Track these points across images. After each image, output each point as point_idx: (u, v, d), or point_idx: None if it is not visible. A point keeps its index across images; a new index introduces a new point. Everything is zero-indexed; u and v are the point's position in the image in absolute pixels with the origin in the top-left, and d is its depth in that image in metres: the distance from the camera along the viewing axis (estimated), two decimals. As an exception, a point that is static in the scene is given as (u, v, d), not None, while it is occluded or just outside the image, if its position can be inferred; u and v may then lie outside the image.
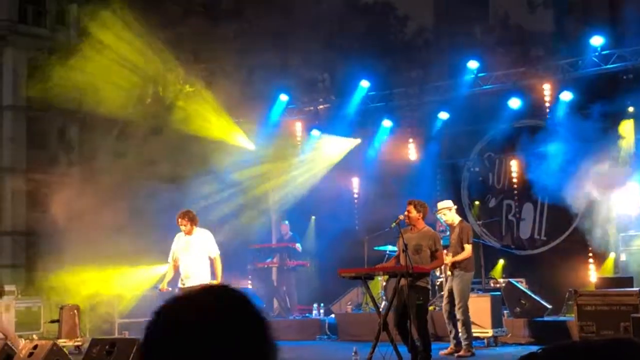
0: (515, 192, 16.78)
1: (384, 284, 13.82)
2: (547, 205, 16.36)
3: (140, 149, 18.64)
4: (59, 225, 17.41)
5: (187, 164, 18.80)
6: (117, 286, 16.36)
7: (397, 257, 10.27)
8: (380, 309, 10.70)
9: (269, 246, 17.36)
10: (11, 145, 26.30)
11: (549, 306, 13.40)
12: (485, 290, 14.00)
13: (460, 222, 11.77)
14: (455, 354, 11.30)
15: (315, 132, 18.55)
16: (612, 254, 14.47)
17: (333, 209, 17.65)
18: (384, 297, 13.74)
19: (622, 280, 12.53)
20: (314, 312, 16.07)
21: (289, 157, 18.87)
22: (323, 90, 18.63)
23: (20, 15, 27.04)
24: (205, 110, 17.86)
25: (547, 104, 15.83)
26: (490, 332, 12.48)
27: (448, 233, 12.51)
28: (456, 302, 11.23)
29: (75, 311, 14.22)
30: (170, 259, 11.22)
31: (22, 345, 10.98)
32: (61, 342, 12.73)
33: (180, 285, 11.03)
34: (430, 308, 13.00)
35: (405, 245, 9.59)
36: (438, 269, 12.98)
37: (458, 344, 11.37)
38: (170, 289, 11.16)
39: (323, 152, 18.27)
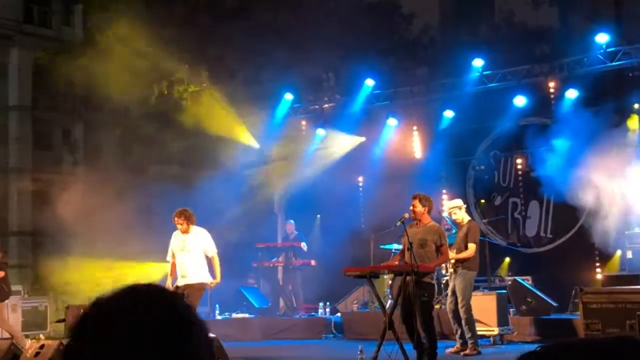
0: (521, 190, 16.76)
1: (390, 282, 13.80)
2: (553, 203, 16.33)
3: (146, 149, 18.68)
4: (65, 225, 17.44)
5: (192, 163, 18.83)
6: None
7: (402, 253, 10.24)
8: (387, 308, 10.69)
9: (274, 245, 17.36)
10: (17, 146, 26.34)
11: (555, 304, 13.38)
12: (491, 288, 13.98)
13: (470, 221, 11.76)
14: (462, 353, 11.29)
15: (320, 131, 18.56)
16: (618, 251, 14.44)
17: (338, 208, 17.66)
18: (390, 296, 13.72)
19: (628, 278, 12.51)
20: (320, 310, 16.07)
21: (294, 156, 18.88)
22: (328, 89, 18.63)
23: (25, 15, 27.08)
24: (211, 109, 17.87)
25: (553, 102, 15.80)
26: (496, 331, 12.46)
27: (454, 231, 12.50)
28: (459, 300, 11.22)
29: (82, 311, 14.21)
30: (169, 257, 11.22)
31: (29, 345, 11.01)
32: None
33: (178, 283, 10.97)
34: (437, 306, 13.00)
35: (411, 244, 9.57)
36: (443, 266, 12.97)
37: (464, 343, 11.36)
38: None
39: (328, 150, 18.27)
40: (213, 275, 11.07)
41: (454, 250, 11.37)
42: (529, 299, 13.30)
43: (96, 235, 16.44)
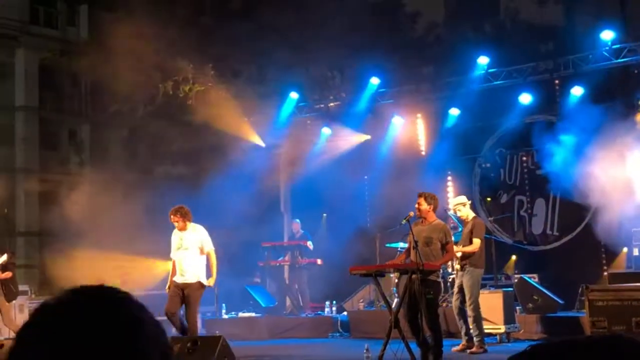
0: (527, 187, 16.74)
1: (396, 281, 13.80)
2: (559, 201, 16.30)
3: (152, 148, 18.71)
4: (72, 225, 17.47)
5: (198, 162, 18.85)
6: (131, 285, 16.40)
7: (407, 251, 10.24)
8: (393, 306, 10.69)
9: (280, 244, 17.38)
10: (24, 146, 26.43)
11: (561, 302, 13.37)
12: (497, 286, 13.97)
13: (474, 217, 11.77)
14: (468, 350, 11.29)
15: (325, 130, 18.56)
16: (625, 248, 14.42)
17: (344, 207, 17.67)
18: (396, 294, 13.72)
19: (634, 275, 12.48)
20: (326, 309, 16.08)
21: (300, 154, 18.89)
22: (333, 88, 18.61)
23: (31, 16, 27.17)
24: (216, 108, 17.88)
25: (558, 99, 15.78)
26: (502, 328, 12.46)
27: (460, 229, 12.49)
28: (467, 298, 11.22)
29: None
30: (172, 255, 11.20)
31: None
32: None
33: (177, 281, 10.92)
34: (443, 304, 13.00)
35: (416, 242, 9.57)
36: (449, 264, 12.98)
37: (470, 340, 11.35)
38: None
39: (334, 149, 18.27)
40: (209, 273, 11.01)
41: (460, 246, 11.37)
42: (535, 297, 13.29)
43: (103, 235, 16.46)
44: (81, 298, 1.42)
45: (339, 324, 15.22)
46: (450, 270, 13.64)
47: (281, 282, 17.25)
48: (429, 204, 10.05)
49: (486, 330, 11.72)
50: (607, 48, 15.02)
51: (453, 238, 11.73)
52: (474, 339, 11.26)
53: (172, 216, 10.93)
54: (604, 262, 15.05)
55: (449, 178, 17.39)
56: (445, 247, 9.99)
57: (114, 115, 19.70)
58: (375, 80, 17.38)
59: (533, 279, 14.00)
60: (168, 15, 17.31)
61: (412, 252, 9.72)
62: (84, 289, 1.45)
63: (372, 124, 17.97)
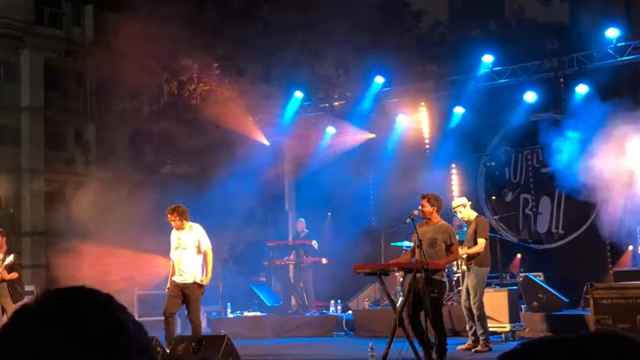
0: (532, 186, 16.72)
1: (401, 279, 13.79)
2: (564, 199, 16.28)
3: (157, 148, 18.73)
4: (78, 225, 17.51)
5: (203, 161, 18.87)
6: (137, 284, 16.45)
7: (412, 251, 10.25)
8: (397, 305, 10.68)
9: (285, 243, 17.38)
10: (29, 146, 26.49)
11: (567, 300, 13.35)
12: (502, 285, 13.96)
13: (477, 217, 11.74)
14: (473, 349, 11.28)
15: (330, 129, 18.57)
16: (630, 247, 14.39)
17: (349, 206, 17.68)
18: (401, 293, 13.72)
19: (639, 274, 12.45)
20: (331, 308, 16.08)
21: (305, 153, 18.89)
22: (338, 87, 18.61)
23: (36, 16, 27.23)
24: (221, 108, 17.90)
25: (563, 97, 15.76)
26: (507, 327, 12.44)
27: (465, 228, 12.48)
28: (471, 296, 11.21)
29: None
30: (171, 256, 11.18)
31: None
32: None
33: (176, 281, 10.91)
34: (448, 303, 13.00)
35: (420, 241, 9.57)
36: (454, 263, 12.97)
37: (476, 340, 11.35)
38: None
39: (339, 148, 18.28)
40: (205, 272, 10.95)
41: (465, 247, 11.37)
42: (540, 295, 13.27)
43: (109, 234, 16.49)
44: (61, 300, 1.42)
45: (344, 323, 15.23)
46: (455, 269, 13.63)
47: (286, 281, 17.26)
48: (432, 205, 10.05)
49: (491, 329, 11.71)
50: (612, 46, 15.00)
51: (458, 237, 11.77)
52: (479, 337, 11.25)
53: (168, 215, 10.93)
54: (610, 260, 15.02)
55: (454, 177, 17.38)
56: (449, 248, 9.98)
57: (119, 115, 19.72)
58: (379, 79, 17.38)
59: (538, 278, 13.97)
60: (173, 15, 17.32)
61: (417, 251, 9.71)
62: (64, 290, 1.44)
63: (376, 122, 17.98)
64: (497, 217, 16.53)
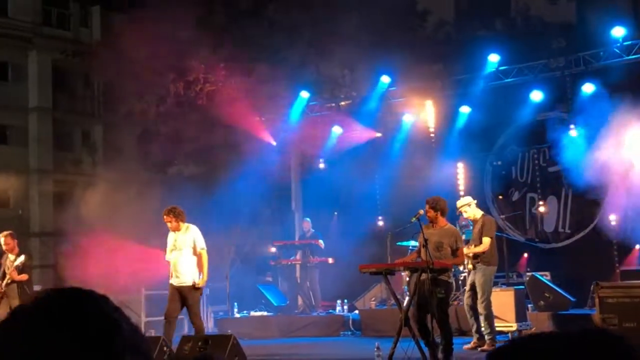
0: (539, 185, 16.70)
1: (407, 279, 13.78)
2: (571, 198, 16.27)
3: (164, 149, 18.76)
4: (86, 226, 17.57)
5: (210, 162, 18.91)
6: (144, 284, 16.49)
7: (418, 251, 10.24)
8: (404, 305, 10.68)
9: (291, 243, 17.40)
10: (37, 147, 26.59)
11: (573, 299, 13.34)
12: (509, 284, 13.95)
13: (483, 216, 11.72)
14: (479, 348, 11.27)
15: (336, 129, 18.58)
16: (637, 246, 14.37)
17: (355, 205, 17.69)
18: (407, 293, 13.71)
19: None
20: (338, 308, 16.09)
21: (311, 153, 18.92)
22: (344, 86, 18.62)
23: (44, 17, 27.32)
24: (227, 107, 17.93)
25: (570, 96, 15.73)
26: (514, 326, 12.43)
27: (471, 227, 12.47)
28: (479, 296, 11.19)
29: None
30: (167, 257, 11.11)
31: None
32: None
33: (172, 283, 10.86)
34: (454, 302, 12.99)
35: (426, 240, 9.56)
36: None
37: (481, 338, 11.34)
38: None
39: (345, 147, 18.30)
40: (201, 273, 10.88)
41: (472, 246, 11.36)
42: (547, 295, 13.26)
43: (117, 235, 16.54)
44: (57, 301, 1.44)
45: (350, 322, 15.24)
46: (461, 268, 13.62)
47: (293, 281, 17.27)
48: (435, 210, 10.03)
49: (498, 328, 11.69)
50: (618, 45, 14.98)
51: (464, 236, 11.76)
52: (486, 336, 11.24)
53: (165, 216, 10.86)
54: (617, 259, 15.00)
55: (460, 176, 17.37)
56: (455, 252, 9.97)
57: (126, 115, 19.77)
58: (385, 79, 17.38)
59: (545, 277, 13.95)
60: (179, 16, 17.36)
61: (423, 251, 9.71)
62: (60, 291, 1.46)
63: (382, 122, 17.99)
64: (503, 216, 16.51)
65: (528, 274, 14.36)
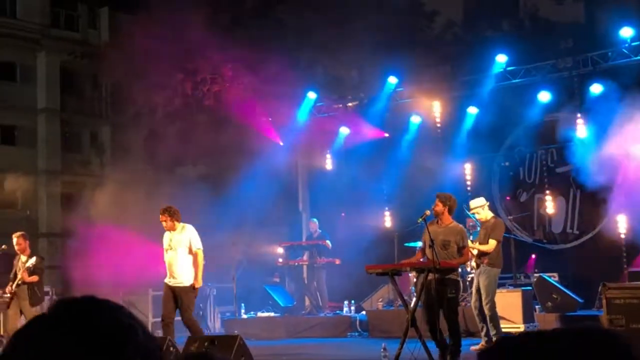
0: (547, 186, 16.65)
1: (415, 280, 13.76)
2: (579, 199, 16.22)
3: (172, 149, 18.79)
4: (94, 227, 17.61)
5: (217, 162, 18.93)
6: (151, 285, 16.51)
7: (422, 249, 10.20)
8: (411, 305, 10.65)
9: (299, 244, 17.39)
10: (46, 148, 26.67)
11: (581, 300, 13.29)
12: (516, 285, 13.91)
13: (494, 217, 11.69)
14: (486, 350, 11.23)
15: (344, 129, 18.58)
16: (646, 246, 14.32)
17: (363, 206, 17.68)
18: (414, 294, 13.69)
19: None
20: (345, 309, 16.08)
21: (318, 154, 18.93)
22: (351, 87, 18.62)
23: (52, 19, 27.41)
24: (235, 108, 17.96)
25: (577, 97, 15.68)
26: (521, 327, 12.40)
27: (479, 228, 12.44)
28: (483, 297, 11.16)
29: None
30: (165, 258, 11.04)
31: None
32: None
33: (168, 283, 10.82)
34: (462, 304, 12.95)
35: (432, 241, 9.54)
36: (468, 264, 12.93)
37: (489, 340, 11.31)
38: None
39: (352, 148, 18.30)
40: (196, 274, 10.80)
41: (476, 244, 11.31)
42: (554, 296, 13.22)
43: (125, 236, 16.57)
44: (73, 308, 1.46)
45: (357, 323, 15.22)
46: (469, 269, 13.60)
47: (300, 281, 17.27)
48: (444, 205, 10.01)
49: (505, 329, 11.66)
50: (626, 45, 14.93)
51: (472, 237, 11.72)
52: (492, 338, 11.22)
53: (160, 216, 10.80)
54: (625, 260, 14.94)
55: (468, 177, 17.34)
56: (461, 250, 9.94)
57: (134, 116, 19.81)
58: (393, 80, 17.37)
59: (553, 278, 13.92)
60: (187, 16, 17.40)
61: (429, 251, 9.68)
62: (73, 301, 1.49)
63: (390, 122, 17.98)
64: (511, 217, 16.48)
65: (536, 275, 14.32)
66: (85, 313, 1.46)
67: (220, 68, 18.32)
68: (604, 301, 10.45)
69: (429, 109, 17.51)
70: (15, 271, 12.45)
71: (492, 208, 12.48)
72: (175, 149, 18.88)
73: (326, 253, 16.50)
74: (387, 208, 18.25)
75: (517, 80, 16.29)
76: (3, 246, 12.70)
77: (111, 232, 16.91)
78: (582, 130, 15.36)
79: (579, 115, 15.50)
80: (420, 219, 9.90)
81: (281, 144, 18.72)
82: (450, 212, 10.07)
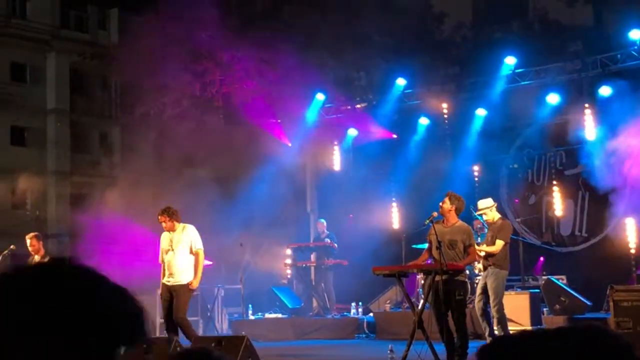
0: (555, 188, 16.61)
1: (422, 281, 13.74)
2: (587, 202, 16.17)
3: (181, 151, 18.82)
4: (103, 227, 17.65)
5: (226, 163, 18.94)
6: (159, 286, 16.51)
7: (429, 251, 10.17)
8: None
9: (306, 245, 17.38)
10: (55, 149, 26.76)
11: (589, 303, 13.25)
12: (524, 287, 13.88)
13: (501, 219, 11.64)
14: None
15: (352, 131, 18.59)
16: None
17: (371, 207, 17.67)
18: (422, 295, 13.67)
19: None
20: (353, 310, 16.07)
21: (327, 155, 18.94)
22: (359, 89, 18.62)
23: (62, 20, 27.51)
24: (243, 109, 17.98)
25: (586, 99, 15.65)
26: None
27: (486, 230, 12.40)
28: (491, 299, 11.10)
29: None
30: (160, 259, 10.94)
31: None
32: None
33: (165, 282, 10.74)
34: (469, 306, 12.93)
35: (440, 242, 9.52)
36: (475, 265, 12.90)
37: (494, 341, 11.26)
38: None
39: (360, 149, 18.30)
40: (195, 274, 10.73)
41: (483, 246, 11.28)
42: (562, 298, 13.19)
43: (134, 236, 16.61)
44: (38, 269, 1.46)
45: (365, 325, 15.21)
46: (476, 271, 13.56)
47: (307, 283, 17.26)
48: (452, 203, 9.97)
49: (512, 332, 11.62)
50: (635, 47, 14.90)
51: (479, 239, 11.69)
52: (499, 339, 11.18)
53: (159, 216, 10.74)
54: (634, 263, 14.89)
55: (476, 179, 17.31)
56: (467, 249, 9.91)
57: (143, 117, 19.87)
58: (401, 81, 17.37)
59: (561, 281, 13.88)
60: (196, 18, 17.44)
61: (436, 252, 9.66)
62: (43, 263, 1.49)
63: (398, 124, 17.98)
64: (519, 219, 16.45)
65: (544, 277, 14.28)
66: (51, 271, 1.45)
67: (230, 69, 18.34)
68: (611, 304, 10.42)
69: (438, 110, 17.49)
70: (28, 271, 12.48)
71: (500, 210, 12.45)
72: (184, 149, 18.91)
73: (334, 254, 16.49)
74: (395, 209, 18.25)
75: (525, 83, 16.26)
76: (11, 246, 12.73)
77: (120, 233, 16.95)
78: (591, 132, 15.32)
79: (587, 117, 15.47)
80: (428, 221, 9.88)
81: (290, 145, 18.73)
82: (457, 211, 10.04)
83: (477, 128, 17.00)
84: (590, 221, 16.20)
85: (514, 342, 1.40)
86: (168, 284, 10.72)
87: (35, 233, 12.75)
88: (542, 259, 15.91)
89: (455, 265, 9.54)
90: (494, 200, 11.92)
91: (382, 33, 16.41)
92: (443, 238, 9.72)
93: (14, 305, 1.37)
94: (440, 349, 9.58)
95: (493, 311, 11.09)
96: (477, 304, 11.39)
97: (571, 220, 16.51)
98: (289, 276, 18.14)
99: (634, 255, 14.89)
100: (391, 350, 9.86)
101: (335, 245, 16.45)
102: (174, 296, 10.63)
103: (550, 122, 16.33)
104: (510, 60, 16.18)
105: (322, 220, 17.31)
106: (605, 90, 15.25)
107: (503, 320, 11.16)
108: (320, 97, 18.27)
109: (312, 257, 16.93)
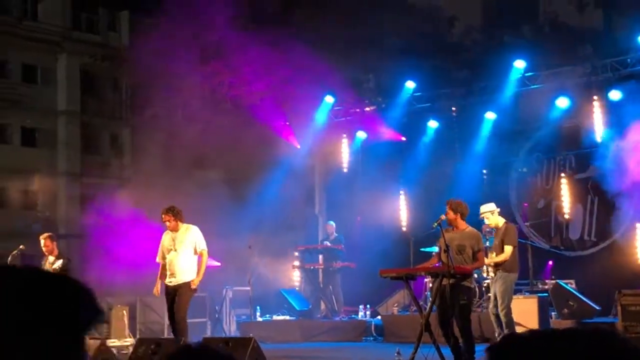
0: (564, 192, 16.57)
1: (430, 285, 13.73)
2: (597, 206, 16.13)
3: (191, 153, 18.87)
4: (112, 228, 17.70)
5: (235, 164, 18.99)
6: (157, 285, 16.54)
7: (438, 255, 10.18)
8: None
9: (314, 247, 17.39)
10: (66, 150, 26.85)
11: (598, 307, 13.21)
12: (532, 291, 13.85)
13: (505, 223, 11.61)
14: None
15: (361, 133, 18.60)
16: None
17: (379, 210, 17.66)
18: (429, 298, 13.65)
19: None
20: (360, 313, 16.08)
21: (335, 157, 18.95)
22: (368, 92, 18.63)
23: (73, 22, 27.63)
24: (253, 111, 18.02)
25: (596, 103, 15.61)
26: (536, 334, 12.33)
27: (494, 234, 12.39)
28: (499, 303, 11.09)
29: (125, 312, 14.43)
30: (159, 259, 10.88)
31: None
32: (110, 342, 12.93)
33: (167, 283, 10.71)
34: (477, 309, 12.91)
35: (447, 246, 9.52)
36: (484, 269, 12.89)
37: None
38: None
39: (369, 152, 18.31)
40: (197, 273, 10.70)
41: (493, 254, 11.27)
42: (571, 303, 13.16)
43: (143, 237, 16.65)
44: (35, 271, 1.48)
45: (372, 327, 15.22)
46: (485, 274, 13.55)
47: (315, 285, 17.27)
48: (455, 212, 9.96)
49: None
50: (645, 51, 14.88)
51: (488, 243, 11.67)
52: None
53: (163, 216, 10.69)
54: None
55: (485, 183, 17.28)
56: (475, 255, 9.89)
57: (153, 118, 19.92)
58: (410, 84, 17.37)
59: (570, 285, 13.85)
60: (206, 20, 17.48)
61: (444, 256, 9.66)
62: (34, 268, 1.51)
63: (407, 127, 17.97)
64: (528, 223, 16.40)
65: (552, 281, 14.25)
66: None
67: (239, 71, 18.38)
68: (618, 308, 10.41)
69: (447, 113, 17.48)
70: (42, 271, 12.50)
71: (509, 214, 12.43)
72: (194, 151, 18.96)
73: (342, 257, 16.50)
74: (403, 212, 18.24)
75: (535, 86, 16.24)
76: (21, 246, 12.77)
77: (129, 234, 17.00)
78: (600, 136, 15.29)
79: (597, 121, 15.43)
80: (436, 224, 9.88)
81: (299, 147, 18.76)
82: (462, 217, 10.02)
83: (487, 131, 16.98)
84: (599, 225, 16.15)
85: (523, 340, 1.41)
86: (170, 284, 10.68)
87: (49, 233, 12.76)
88: (550, 263, 15.87)
89: (463, 269, 9.54)
90: (503, 205, 11.91)
91: (393, 36, 16.41)
92: (451, 244, 9.71)
93: (14, 305, 1.40)
94: (448, 352, 9.58)
95: (501, 315, 11.08)
96: (491, 309, 11.37)
97: (580, 225, 16.46)
98: (297, 278, 18.16)
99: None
100: (399, 353, 9.88)
101: (342, 246, 16.46)
102: (176, 295, 10.64)
103: (560, 126, 16.30)
104: (520, 64, 16.16)
105: (332, 223, 17.31)
106: (615, 95, 15.22)
107: (511, 324, 11.15)
108: (329, 99, 18.29)
109: (320, 259, 16.93)
